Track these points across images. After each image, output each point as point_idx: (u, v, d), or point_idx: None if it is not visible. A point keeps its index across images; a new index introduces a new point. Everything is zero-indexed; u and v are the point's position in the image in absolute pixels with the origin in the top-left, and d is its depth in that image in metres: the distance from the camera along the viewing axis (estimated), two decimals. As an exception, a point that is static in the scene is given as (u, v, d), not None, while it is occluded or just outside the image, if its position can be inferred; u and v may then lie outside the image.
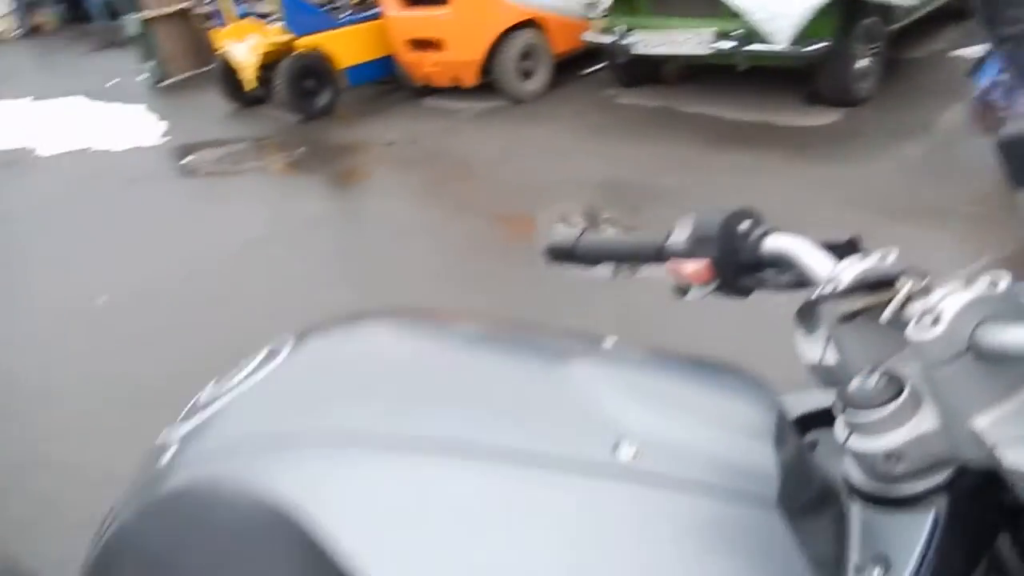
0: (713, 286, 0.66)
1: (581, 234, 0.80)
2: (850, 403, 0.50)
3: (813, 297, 0.54)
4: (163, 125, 6.27)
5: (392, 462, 0.50)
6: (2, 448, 2.46)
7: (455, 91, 5.76)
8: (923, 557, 0.48)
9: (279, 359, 0.60)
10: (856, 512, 0.52)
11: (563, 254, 0.80)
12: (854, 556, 0.50)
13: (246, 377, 0.60)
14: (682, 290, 0.70)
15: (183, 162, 5.42)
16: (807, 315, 0.60)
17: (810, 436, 0.61)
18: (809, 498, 0.53)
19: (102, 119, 6.62)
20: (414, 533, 0.47)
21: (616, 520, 0.48)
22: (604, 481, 0.49)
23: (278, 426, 0.55)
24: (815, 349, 0.57)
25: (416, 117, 5.66)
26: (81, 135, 6.14)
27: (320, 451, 0.52)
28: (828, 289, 0.53)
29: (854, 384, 0.50)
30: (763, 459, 0.50)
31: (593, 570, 0.46)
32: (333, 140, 5.45)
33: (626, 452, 0.50)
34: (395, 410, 0.55)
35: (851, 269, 0.53)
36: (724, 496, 0.48)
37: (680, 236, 0.68)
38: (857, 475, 0.53)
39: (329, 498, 0.49)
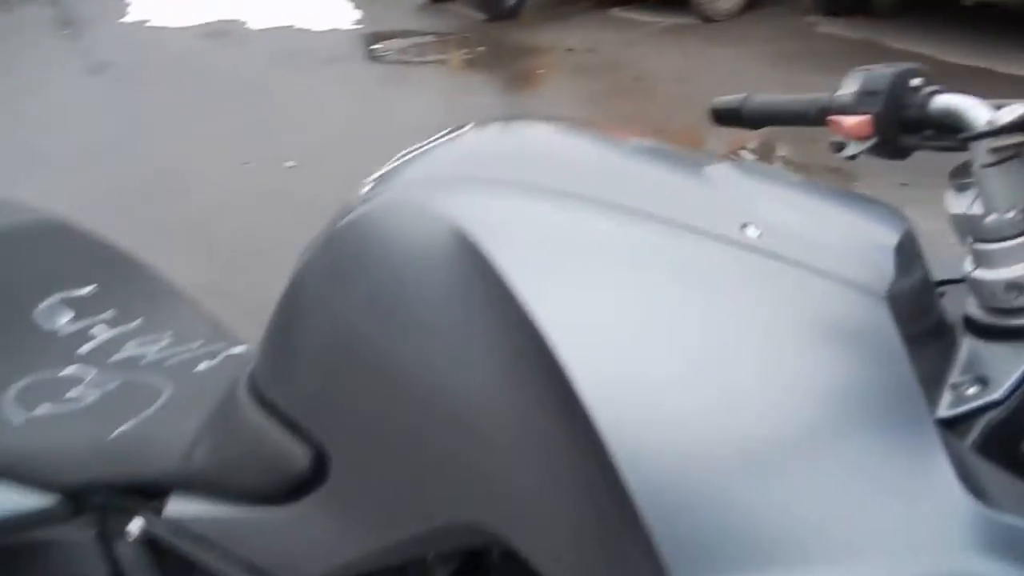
0: (871, 143, 0.66)
1: (747, 96, 0.81)
2: (983, 236, 0.51)
3: (971, 134, 0.53)
4: (357, 13, 6.56)
5: (557, 206, 0.57)
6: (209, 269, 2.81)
7: (644, 3, 5.59)
8: (1021, 382, 0.49)
9: (462, 132, 0.68)
10: (966, 344, 0.53)
11: (728, 115, 0.82)
12: (954, 377, 0.51)
13: (432, 143, 0.68)
14: (838, 146, 0.70)
15: (372, 48, 5.68)
16: (961, 172, 0.59)
17: (940, 290, 0.61)
18: (924, 327, 0.54)
19: (304, 1, 7.01)
20: (570, 265, 0.54)
21: (733, 281, 0.53)
22: (730, 249, 0.54)
23: (459, 168, 0.63)
24: (962, 201, 0.57)
25: (600, 27, 5.57)
26: (285, 13, 6.55)
27: (496, 188, 0.59)
28: (986, 128, 0.52)
29: (991, 217, 0.50)
30: (883, 262, 0.52)
31: (708, 316, 0.51)
32: (514, 42, 5.49)
33: (752, 232, 0.55)
34: (560, 171, 0.61)
35: (1012, 111, 0.52)
36: (838, 281, 0.51)
37: (847, 90, 0.67)
38: (974, 309, 0.53)
39: (500, 225, 0.55)
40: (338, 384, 0.63)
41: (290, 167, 3.72)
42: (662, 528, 0.43)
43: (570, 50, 5.16)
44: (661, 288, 0.53)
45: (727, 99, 0.82)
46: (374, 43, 5.73)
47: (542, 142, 0.68)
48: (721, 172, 0.63)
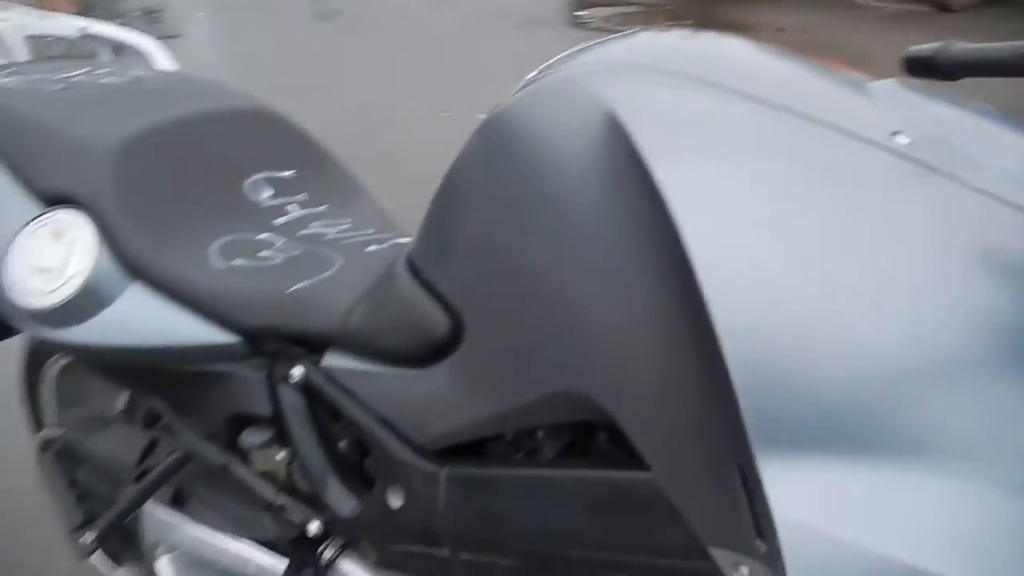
0: None
1: (945, 44, 0.76)
2: None
3: None
4: (568, -22, 6.63)
5: (708, 96, 0.58)
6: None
7: (872, -14, 5.21)
8: None
9: (630, 32, 0.71)
10: None
11: (922, 65, 0.78)
12: None
13: (600, 40, 0.71)
14: None
15: (576, 14, 5.73)
16: None
17: None
18: None
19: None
20: (712, 152, 0.54)
21: (872, 181, 0.52)
22: (878, 151, 0.54)
23: (619, 57, 0.65)
24: None
25: (819, 8, 5.26)
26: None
27: (653, 76, 0.60)
28: None
29: None
30: None
31: (840, 212, 0.51)
32: (723, 18, 5.32)
33: (902, 139, 0.55)
34: (719, 66, 0.62)
35: None
36: (988, 197, 0.48)
37: None
38: None
39: (650, 109, 0.57)
40: (479, 259, 0.68)
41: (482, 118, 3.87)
42: (749, 399, 0.44)
43: (780, 30, 4.92)
44: (798, 181, 0.52)
45: (922, 47, 0.78)
46: (579, 9, 5.78)
47: (707, 42, 0.69)
48: (884, 87, 0.62)
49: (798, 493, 0.41)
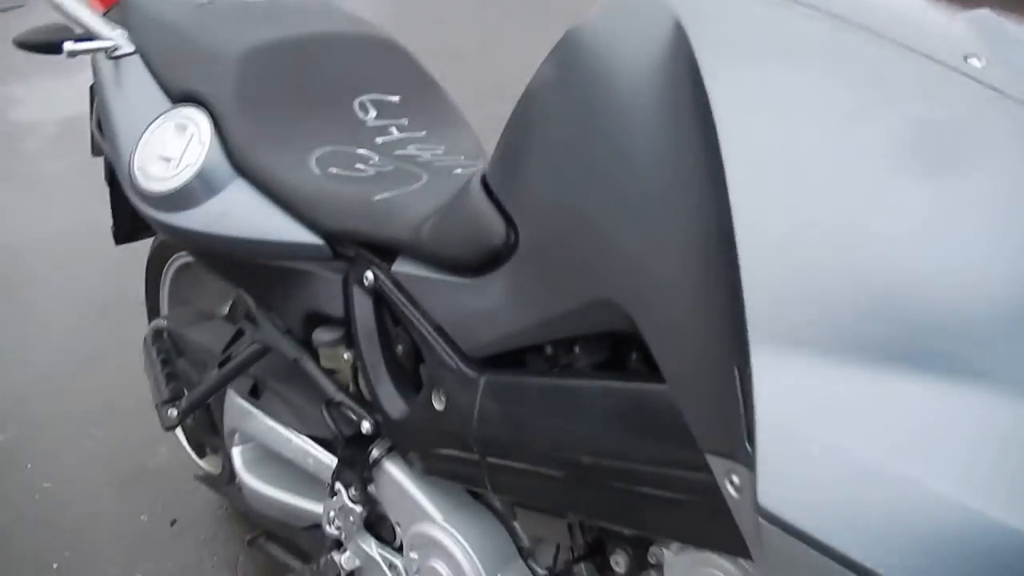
0: None
1: None
2: None
3: None
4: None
5: (784, 11, 0.55)
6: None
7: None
8: None
9: None
10: None
11: None
12: None
13: None
14: None
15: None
16: None
17: None
18: None
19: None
20: (768, 61, 0.52)
21: (935, 99, 0.50)
22: (951, 73, 0.51)
23: None
24: None
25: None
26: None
27: None
28: None
29: None
30: None
31: (892, 128, 0.48)
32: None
33: (975, 63, 0.52)
34: None
35: None
36: None
37: None
38: None
39: (715, 16, 0.55)
40: (537, 171, 0.68)
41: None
42: (753, 292, 0.42)
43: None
44: (851, 94, 0.50)
45: None
46: None
47: None
48: (974, 15, 0.59)
49: (786, 391, 0.39)
